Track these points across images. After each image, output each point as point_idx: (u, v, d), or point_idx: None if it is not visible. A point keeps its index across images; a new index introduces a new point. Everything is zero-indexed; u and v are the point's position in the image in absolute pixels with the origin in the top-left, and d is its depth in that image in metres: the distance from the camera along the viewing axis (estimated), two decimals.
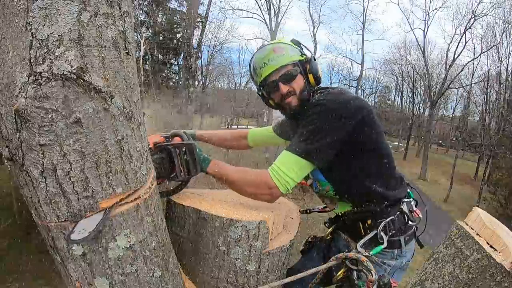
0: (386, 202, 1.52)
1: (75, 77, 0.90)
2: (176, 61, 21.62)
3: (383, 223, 1.49)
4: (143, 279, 1.17)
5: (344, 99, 1.46)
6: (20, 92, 0.88)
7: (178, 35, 20.09)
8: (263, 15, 27.96)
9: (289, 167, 1.44)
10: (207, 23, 19.61)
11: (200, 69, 27.16)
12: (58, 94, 0.89)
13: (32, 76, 0.87)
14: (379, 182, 1.53)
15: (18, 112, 0.89)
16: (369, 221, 1.54)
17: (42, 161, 0.95)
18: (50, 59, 0.87)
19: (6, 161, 1.00)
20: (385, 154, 1.55)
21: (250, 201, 1.57)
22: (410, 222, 1.56)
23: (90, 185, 1.00)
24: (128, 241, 1.10)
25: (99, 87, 0.94)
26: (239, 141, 2.23)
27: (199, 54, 21.65)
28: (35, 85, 0.87)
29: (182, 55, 18.76)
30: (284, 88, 1.57)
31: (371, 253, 1.45)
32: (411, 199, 1.63)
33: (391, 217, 1.51)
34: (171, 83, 21.44)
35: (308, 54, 1.65)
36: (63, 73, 0.88)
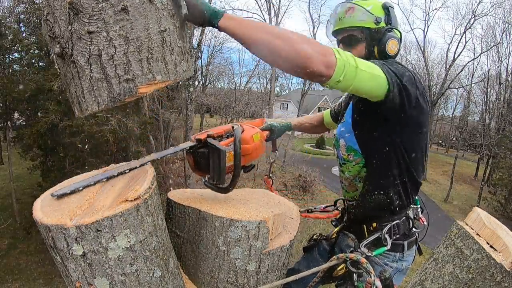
0: (397, 202, 1.50)
1: None
2: None
3: (388, 226, 1.49)
4: (143, 279, 1.17)
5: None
6: None
7: None
8: (263, 15, 27.94)
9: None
10: None
11: (200, 69, 27.16)
12: None
13: None
14: (406, 177, 1.49)
15: (72, 4, 1.01)
16: (374, 224, 1.54)
17: (89, 48, 1.06)
18: None
19: (55, 61, 1.16)
20: (422, 154, 1.50)
21: (250, 201, 1.57)
22: (414, 229, 1.56)
23: (131, 69, 1.09)
24: (128, 241, 1.10)
25: None
26: (322, 126, 2.18)
27: (199, 54, 21.64)
28: None
29: None
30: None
31: (373, 253, 1.45)
32: (418, 206, 1.62)
33: (396, 221, 1.51)
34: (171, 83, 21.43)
35: (383, 25, 1.52)
36: None
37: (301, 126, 2.17)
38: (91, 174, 1.34)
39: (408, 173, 1.49)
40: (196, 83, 22.45)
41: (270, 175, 2.08)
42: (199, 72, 26.09)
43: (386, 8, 1.54)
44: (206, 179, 1.55)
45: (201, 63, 27.53)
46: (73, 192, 1.18)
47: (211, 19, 1.17)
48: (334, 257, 1.34)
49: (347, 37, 1.54)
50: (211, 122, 30.50)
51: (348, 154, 1.58)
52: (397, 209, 1.51)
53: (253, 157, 1.60)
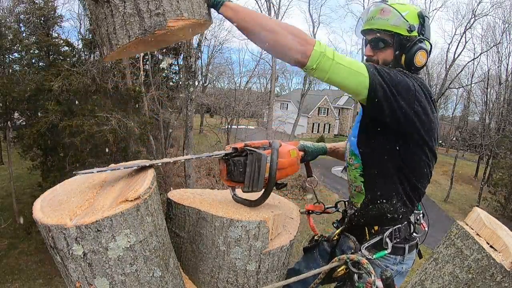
0: (400, 210, 1.50)
1: None
2: (176, 61, 21.60)
3: (389, 230, 1.50)
4: (143, 279, 1.17)
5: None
6: None
7: None
8: None
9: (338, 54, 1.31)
10: None
11: (200, 69, 27.19)
12: None
13: None
14: (408, 188, 1.48)
15: None
16: (376, 227, 1.54)
17: None
18: None
19: (88, 7, 1.32)
20: (428, 162, 1.48)
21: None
22: (414, 234, 1.57)
23: (162, 4, 1.23)
24: (128, 241, 1.10)
25: None
26: None
27: (199, 54, 21.65)
28: None
29: (182, 55, 18.73)
30: (368, 51, 1.52)
31: (374, 256, 1.46)
32: (420, 211, 1.62)
33: (398, 226, 1.51)
34: (171, 83, 21.42)
35: (415, 34, 1.47)
36: None
37: (335, 151, 2.04)
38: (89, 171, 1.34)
39: (410, 184, 1.48)
40: (196, 83, 22.46)
41: (318, 200, 1.94)
42: (199, 72, 26.11)
43: (422, 17, 1.49)
44: (235, 192, 1.56)
45: (201, 63, 27.61)
46: (100, 171, 1.27)
47: (214, 5, 1.37)
48: (336, 258, 1.34)
49: (376, 39, 1.50)
50: (211, 122, 30.49)
51: (350, 158, 1.59)
52: (400, 216, 1.51)
53: (288, 173, 1.59)
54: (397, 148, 1.42)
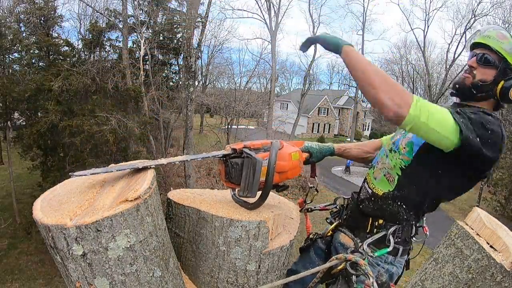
0: (413, 216, 1.51)
1: None
2: (176, 61, 21.60)
3: (394, 227, 1.49)
4: (143, 279, 1.17)
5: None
6: None
7: (178, 35, 20.05)
8: (263, 15, 28.02)
9: (436, 108, 1.30)
10: (207, 23, 19.60)
11: (200, 69, 27.18)
12: None
13: None
14: (430, 202, 1.51)
15: None
16: (380, 221, 1.52)
17: None
18: None
19: None
20: (469, 188, 1.51)
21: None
22: (414, 238, 1.56)
23: None
24: (128, 241, 1.10)
25: None
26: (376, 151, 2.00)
27: (199, 54, 21.63)
28: None
29: (182, 55, 18.73)
30: (472, 62, 1.49)
31: (375, 254, 1.45)
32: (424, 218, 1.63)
33: (402, 225, 1.51)
34: (171, 83, 21.43)
35: None
36: None
37: (345, 151, 2.00)
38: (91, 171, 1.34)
39: (434, 202, 1.51)
40: (196, 83, 22.45)
41: (307, 200, 1.93)
42: (199, 72, 26.10)
43: None
44: (235, 192, 1.54)
45: (201, 63, 27.60)
46: (93, 174, 1.24)
47: (335, 50, 1.42)
48: (333, 257, 1.34)
49: (485, 56, 1.46)
50: (211, 122, 30.48)
51: (405, 147, 1.55)
52: (408, 220, 1.51)
53: (288, 176, 1.55)
54: (456, 177, 1.43)
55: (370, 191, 1.61)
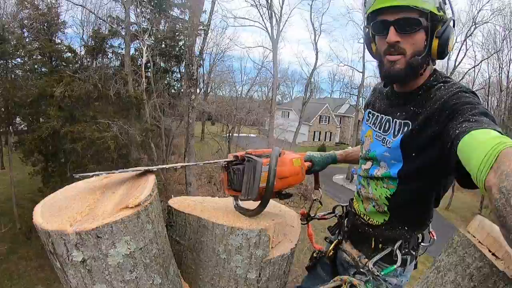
0: (415, 233, 1.44)
1: None
2: (178, 69, 21.72)
3: (400, 242, 1.41)
4: (143, 286, 1.16)
5: None
6: None
7: (180, 43, 20.19)
8: (264, 24, 28.19)
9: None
10: (209, 31, 19.77)
11: (202, 77, 27.30)
12: None
13: None
14: (429, 213, 1.44)
15: None
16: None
17: None
18: None
19: None
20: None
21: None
22: (422, 243, 1.49)
23: None
24: (128, 248, 1.09)
25: None
26: None
27: (201, 62, 21.75)
28: None
29: (184, 62, 18.84)
30: (393, 36, 1.16)
31: (382, 272, 1.37)
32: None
33: (408, 241, 1.43)
34: (173, 91, 21.53)
35: (448, 14, 1.19)
36: None
37: (347, 156, 1.90)
38: (92, 180, 1.34)
39: (432, 211, 1.45)
40: (198, 90, 22.54)
41: (310, 212, 1.88)
42: (200, 80, 26.21)
43: None
44: (237, 202, 1.54)
45: (203, 71, 27.70)
46: (95, 175, 1.24)
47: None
48: (338, 277, 1.32)
49: (403, 19, 1.14)
50: (213, 130, 30.55)
51: (383, 178, 1.42)
52: (413, 233, 1.45)
53: (290, 182, 1.52)
54: (442, 180, 1.33)
55: (365, 222, 1.53)
